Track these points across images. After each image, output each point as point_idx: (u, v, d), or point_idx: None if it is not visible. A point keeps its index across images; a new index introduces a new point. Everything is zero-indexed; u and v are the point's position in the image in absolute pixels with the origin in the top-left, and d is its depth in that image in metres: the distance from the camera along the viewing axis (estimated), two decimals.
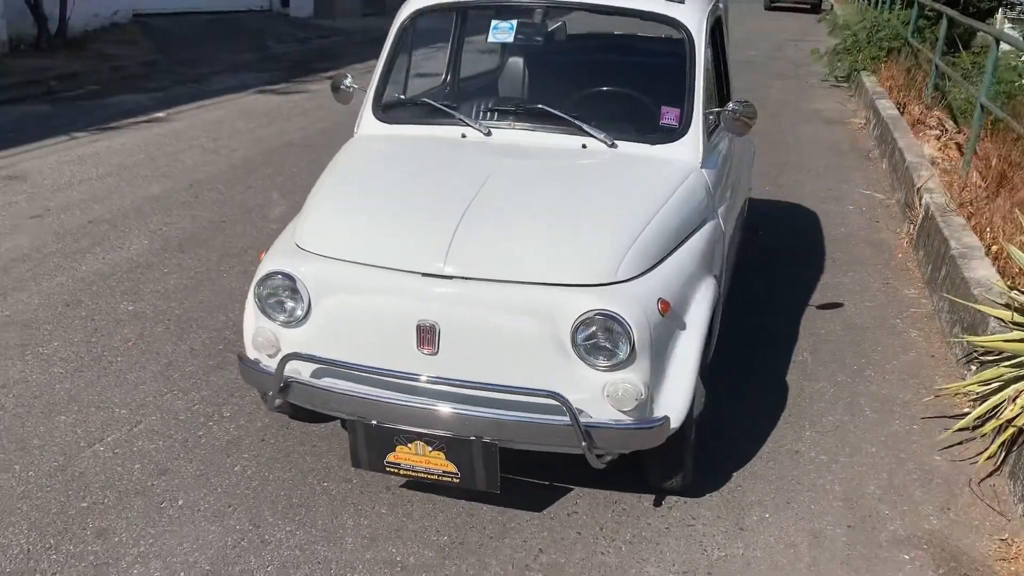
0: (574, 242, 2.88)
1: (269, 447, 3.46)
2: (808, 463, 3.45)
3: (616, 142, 3.40)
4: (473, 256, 2.84)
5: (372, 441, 2.93)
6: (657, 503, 3.20)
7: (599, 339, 2.75)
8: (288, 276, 2.95)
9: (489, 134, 3.50)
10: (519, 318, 2.77)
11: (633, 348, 2.72)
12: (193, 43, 13.90)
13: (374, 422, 2.89)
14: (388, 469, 2.96)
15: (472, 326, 2.80)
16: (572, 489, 3.24)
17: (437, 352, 2.82)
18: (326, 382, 2.97)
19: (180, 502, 3.13)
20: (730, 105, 3.44)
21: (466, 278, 2.81)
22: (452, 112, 3.56)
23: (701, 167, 3.41)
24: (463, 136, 3.51)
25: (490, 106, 3.73)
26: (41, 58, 11.58)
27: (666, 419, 2.82)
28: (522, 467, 3.21)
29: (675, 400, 2.86)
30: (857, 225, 6.33)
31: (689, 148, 3.41)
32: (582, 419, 2.76)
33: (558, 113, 3.45)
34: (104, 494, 3.16)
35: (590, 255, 2.84)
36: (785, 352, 4.34)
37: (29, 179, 6.83)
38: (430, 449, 2.88)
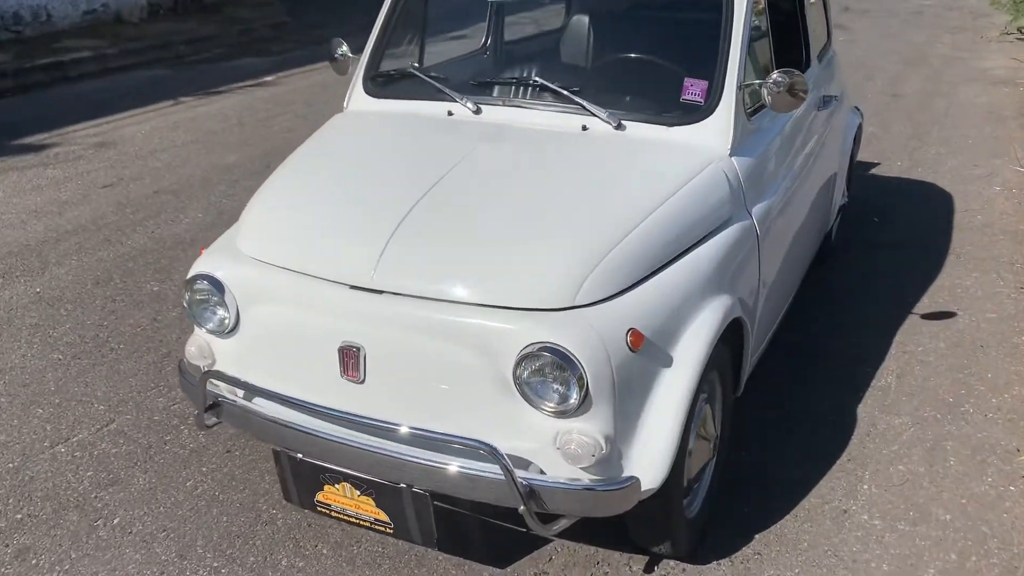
0: (527, 255, 2.31)
1: (232, 461, 3.13)
2: (855, 528, 2.75)
3: (624, 123, 2.78)
4: (407, 267, 2.34)
5: (300, 477, 2.54)
6: (648, 569, 2.63)
7: (547, 378, 2.20)
8: (214, 280, 2.56)
9: (479, 111, 2.96)
10: (456, 346, 2.26)
11: (586, 391, 2.15)
12: (326, 5, 13.88)
13: (299, 456, 2.49)
14: (319, 509, 2.55)
15: (402, 352, 2.31)
16: (552, 541, 2.72)
17: (363, 380, 2.36)
18: (257, 403, 2.57)
19: (116, 520, 2.85)
20: (773, 76, 2.73)
21: (397, 294, 2.33)
22: (440, 86, 3.03)
23: (731, 154, 2.74)
24: (449, 114, 2.99)
25: (485, 79, 3.17)
26: (176, 22, 11.85)
27: (634, 481, 2.24)
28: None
29: (650, 457, 2.26)
30: (1000, 211, 5.29)
31: (715, 130, 2.74)
32: (527, 474, 2.24)
33: (554, 87, 2.86)
34: (43, 506, 2.92)
35: (544, 272, 2.28)
36: (865, 374, 3.58)
37: (118, 146, 6.86)
38: (358, 493, 2.45)
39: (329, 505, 2.51)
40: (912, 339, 3.83)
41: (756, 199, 2.83)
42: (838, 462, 3.06)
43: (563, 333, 2.16)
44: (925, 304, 4.15)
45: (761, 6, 3.11)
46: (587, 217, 2.41)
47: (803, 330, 3.85)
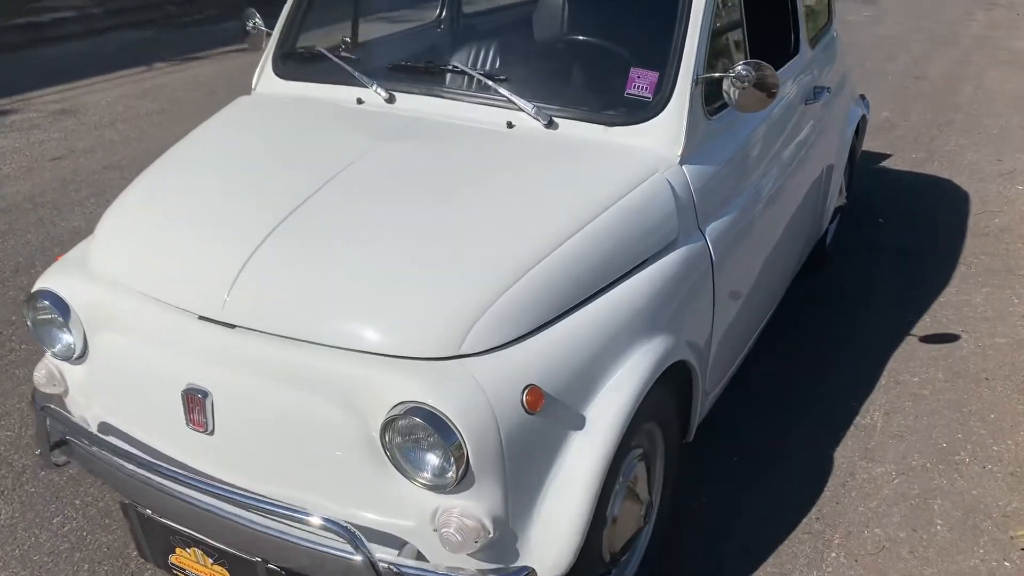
0: (407, 289, 1.88)
1: (112, 493, 2.74)
2: None
3: (556, 120, 2.32)
4: (264, 297, 1.92)
5: (151, 534, 2.15)
6: None
7: (420, 445, 1.78)
8: (57, 300, 2.15)
9: (392, 100, 2.51)
10: (316, 399, 1.84)
11: (466, 463, 1.73)
12: None
13: (148, 512, 2.09)
14: (174, 572, 2.16)
15: (255, 402, 1.90)
16: None
17: (211, 431, 1.95)
18: (107, 446, 2.17)
19: None
20: (737, 68, 2.25)
21: (250, 329, 1.91)
22: (350, 69, 2.58)
23: (681, 162, 2.28)
24: (359, 102, 2.55)
25: (407, 61, 2.69)
26: None
27: (529, 572, 1.82)
28: None
29: (551, 541, 1.84)
30: (1021, 215, 4.77)
31: (663, 132, 2.27)
32: (399, 559, 1.84)
33: (474, 74, 2.40)
34: None
35: (424, 311, 1.84)
36: (848, 409, 3.13)
37: (78, 114, 6.46)
38: (211, 561, 2.05)
39: (184, 570, 2.13)
40: (907, 367, 3.37)
41: (713, 215, 2.37)
42: (805, 520, 2.62)
43: (437, 391, 1.73)
44: (926, 324, 3.68)
45: None
46: (488, 241, 1.97)
47: (779, 353, 3.39)
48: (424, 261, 1.92)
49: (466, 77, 2.49)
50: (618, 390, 1.94)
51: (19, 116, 6.41)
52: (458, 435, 1.71)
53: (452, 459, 1.73)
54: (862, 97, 4.25)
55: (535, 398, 1.79)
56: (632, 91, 2.31)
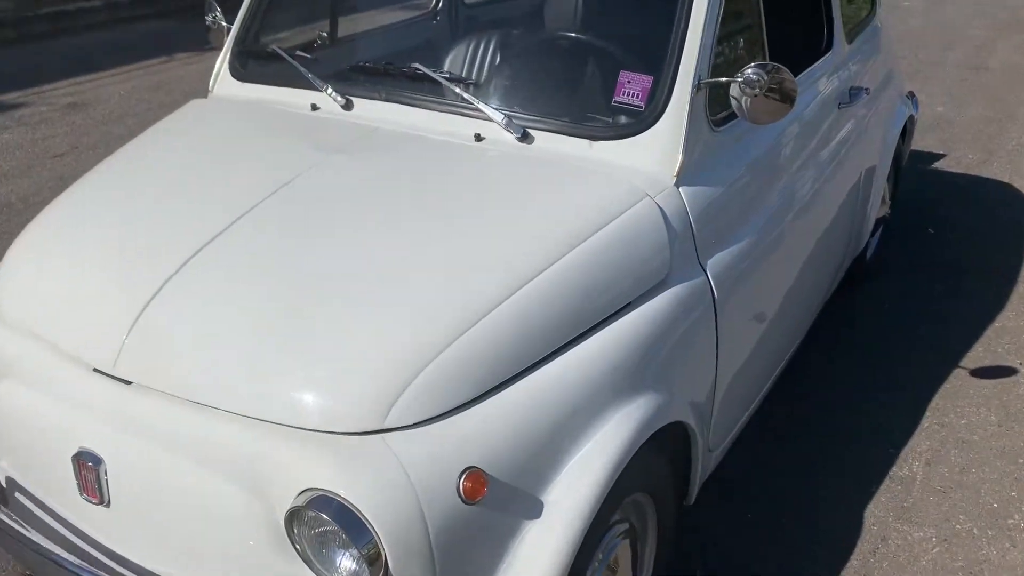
0: (323, 346, 1.56)
1: None
2: None
3: (531, 131, 1.97)
4: (163, 350, 1.62)
5: None
6: None
7: (332, 542, 1.46)
8: None
9: (349, 106, 2.18)
10: (216, 475, 1.53)
11: (385, 566, 1.41)
12: None
13: None
14: None
15: (151, 474, 1.60)
16: None
17: (107, 504, 1.66)
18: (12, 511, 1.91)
19: None
20: (747, 71, 1.88)
21: (148, 387, 1.61)
22: (304, 70, 2.25)
23: (678, 183, 1.91)
24: (314, 108, 2.23)
25: (363, 63, 2.35)
26: None
27: None
28: None
29: None
30: None
31: (658, 147, 1.91)
32: None
33: (437, 77, 2.07)
34: None
35: (341, 374, 1.52)
36: (884, 456, 2.74)
37: (89, 108, 6.27)
38: None
39: None
40: (954, 406, 2.96)
41: (718, 245, 2.00)
42: None
43: (347, 477, 1.41)
44: (978, 354, 3.25)
45: None
46: (429, 284, 1.63)
47: (805, 386, 3.01)
48: (347, 309, 1.59)
49: (432, 81, 2.15)
50: (587, 466, 1.60)
51: (29, 110, 6.24)
52: (373, 534, 1.39)
53: (366, 563, 1.41)
54: (910, 95, 3.81)
55: (475, 484, 1.46)
56: (621, 98, 1.95)
